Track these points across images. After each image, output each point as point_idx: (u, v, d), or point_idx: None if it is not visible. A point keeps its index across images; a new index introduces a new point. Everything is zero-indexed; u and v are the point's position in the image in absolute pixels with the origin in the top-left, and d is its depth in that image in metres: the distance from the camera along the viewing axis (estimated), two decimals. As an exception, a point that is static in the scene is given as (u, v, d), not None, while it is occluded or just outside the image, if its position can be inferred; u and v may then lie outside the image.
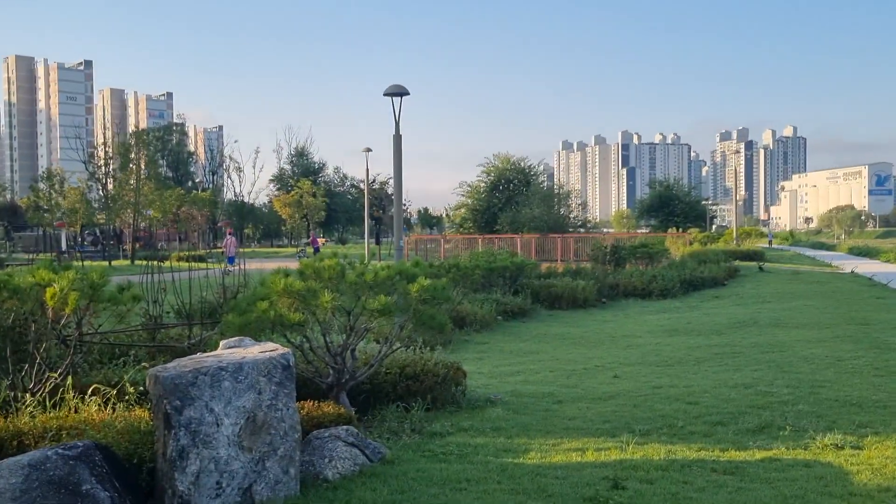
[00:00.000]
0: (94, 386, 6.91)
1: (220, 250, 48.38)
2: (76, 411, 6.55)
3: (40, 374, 7.21)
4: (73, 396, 6.73)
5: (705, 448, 7.42)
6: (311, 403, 7.46)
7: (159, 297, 10.42)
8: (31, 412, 6.44)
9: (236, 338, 6.83)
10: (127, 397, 6.79)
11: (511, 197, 62.73)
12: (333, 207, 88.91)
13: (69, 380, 6.90)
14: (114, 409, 6.62)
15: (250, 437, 5.75)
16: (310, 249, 55.93)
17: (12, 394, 6.90)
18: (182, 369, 5.68)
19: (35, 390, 7.02)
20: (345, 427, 6.92)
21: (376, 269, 8.21)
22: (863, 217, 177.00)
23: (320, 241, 66.82)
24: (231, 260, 39.50)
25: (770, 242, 73.54)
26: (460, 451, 7.28)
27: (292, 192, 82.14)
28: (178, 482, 5.38)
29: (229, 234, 51.83)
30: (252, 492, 5.73)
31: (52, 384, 7.01)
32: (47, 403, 6.71)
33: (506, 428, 8.28)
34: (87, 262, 45.57)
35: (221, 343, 6.69)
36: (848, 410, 8.95)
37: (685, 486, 6.22)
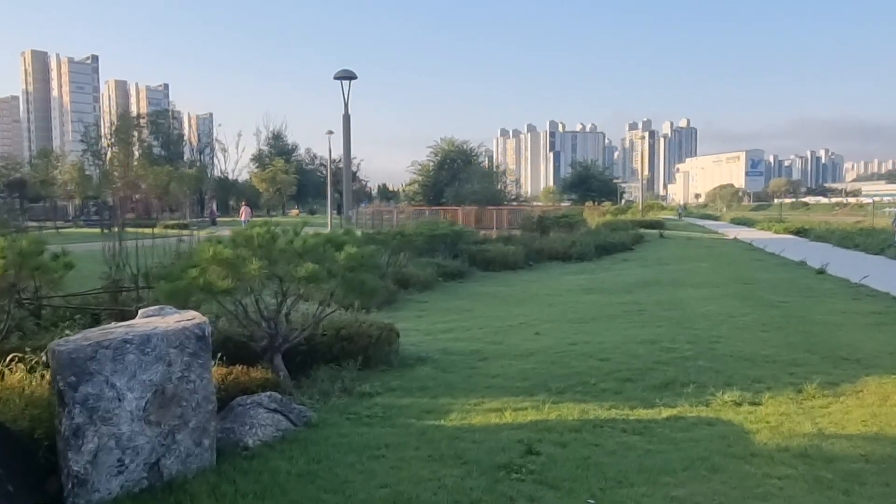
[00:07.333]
0: (13, 354, 5.64)
1: (203, 219, 48.73)
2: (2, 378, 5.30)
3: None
4: (-3, 363, 5.44)
5: (616, 406, 6.49)
6: (241, 368, 6.33)
7: (120, 262, 9.13)
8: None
9: (156, 306, 5.61)
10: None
11: (455, 174, 60.27)
12: (304, 183, 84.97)
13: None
14: (42, 378, 5.37)
15: (158, 411, 4.61)
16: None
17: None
18: (82, 342, 4.47)
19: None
20: (267, 393, 5.79)
21: (306, 237, 7.02)
22: (740, 194, 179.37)
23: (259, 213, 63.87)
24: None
25: (680, 216, 72.53)
26: (384, 413, 6.24)
27: (268, 170, 79.41)
28: (73, 462, 4.22)
29: (245, 204, 51.56)
30: (160, 466, 4.60)
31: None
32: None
33: (431, 387, 7.24)
34: (84, 230, 43.54)
35: (140, 312, 5.48)
36: (742, 366, 8.13)
37: (596, 450, 5.27)
